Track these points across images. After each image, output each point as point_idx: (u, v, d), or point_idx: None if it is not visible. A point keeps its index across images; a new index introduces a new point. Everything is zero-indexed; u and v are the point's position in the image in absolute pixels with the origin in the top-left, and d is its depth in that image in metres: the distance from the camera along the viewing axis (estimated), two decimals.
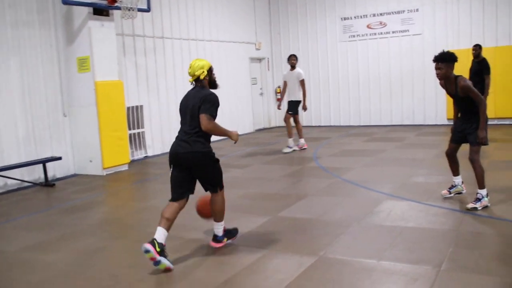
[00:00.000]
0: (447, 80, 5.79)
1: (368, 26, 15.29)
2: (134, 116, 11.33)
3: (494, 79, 13.51)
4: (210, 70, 4.76)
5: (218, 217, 4.92)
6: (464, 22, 14.02)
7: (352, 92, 15.61)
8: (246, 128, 15.45)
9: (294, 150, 10.91)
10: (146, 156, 11.53)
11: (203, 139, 4.63)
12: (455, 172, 6.27)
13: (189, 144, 4.58)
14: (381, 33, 15.10)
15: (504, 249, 4.51)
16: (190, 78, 4.78)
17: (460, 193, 6.35)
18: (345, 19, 15.61)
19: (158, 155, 11.73)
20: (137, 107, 11.41)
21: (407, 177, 7.70)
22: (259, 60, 16.59)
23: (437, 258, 4.34)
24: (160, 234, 4.46)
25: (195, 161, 4.61)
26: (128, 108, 11.03)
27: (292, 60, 10.92)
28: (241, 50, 15.37)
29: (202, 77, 4.71)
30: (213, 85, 4.81)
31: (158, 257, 4.33)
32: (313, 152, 10.73)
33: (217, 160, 4.78)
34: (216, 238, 4.98)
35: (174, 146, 4.69)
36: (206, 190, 4.87)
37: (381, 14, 15.09)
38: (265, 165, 9.61)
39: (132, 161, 10.86)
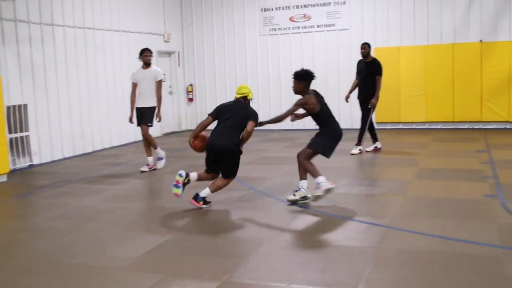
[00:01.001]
0: (302, 95, 7.02)
1: (291, 19, 15.53)
2: (16, 117, 10.79)
3: (426, 80, 14.21)
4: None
5: (213, 188, 6.84)
6: (394, 19, 14.58)
7: (273, 92, 15.79)
8: (152, 131, 15.15)
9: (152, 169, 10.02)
10: (31, 165, 11.02)
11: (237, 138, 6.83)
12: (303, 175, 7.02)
13: (225, 138, 6.71)
14: (305, 27, 15.38)
15: (427, 269, 4.66)
16: (238, 95, 7.08)
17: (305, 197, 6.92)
18: (265, 10, 15.77)
19: (46, 163, 11.25)
20: (19, 106, 10.88)
21: None
22: (168, 54, 16.40)
23: (353, 280, 4.41)
24: (194, 175, 6.90)
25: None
26: (9, 108, 10.50)
27: (147, 55, 9.89)
28: (147, 42, 15.07)
29: (249, 97, 7.13)
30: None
31: (180, 185, 6.76)
32: None
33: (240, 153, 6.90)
34: (196, 197, 6.82)
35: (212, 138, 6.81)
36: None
37: (305, 6, 15.38)
38: (171, 174, 9.45)
39: (13, 171, 10.34)
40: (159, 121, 10.28)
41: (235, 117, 6.84)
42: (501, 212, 6.32)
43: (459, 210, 6.51)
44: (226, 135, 6.75)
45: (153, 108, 9.95)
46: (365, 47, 10.69)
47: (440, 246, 5.25)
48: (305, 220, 6.26)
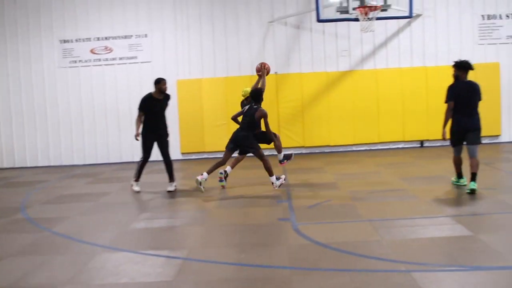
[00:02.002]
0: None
1: (92, 51, 15.17)
2: None
3: (227, 110, 14.72)
4: None
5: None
6: (195, 52, 14.98)
7: (75, 126, 15.19)
8: None
9: None
10: None
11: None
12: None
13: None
14: (107, 59, 15.13)
15: None
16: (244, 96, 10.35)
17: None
18: (65, 41, 15.21)
19: None
20: None
21: (128, 223, 7.70)
22: None
23: None
24: (229, 168, 9.90)
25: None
26: None
27: None
28: None
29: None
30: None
31: (223, 179, 9.97)
32: (21, 200, 10.01)
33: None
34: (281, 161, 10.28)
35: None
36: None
37: (106, 38, 15.14)
38: None
39: None
40: None
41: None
42: (292, 234, 6.71)
43: (255, 235, 6.78)
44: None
45: None
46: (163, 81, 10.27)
47: (235, 273, 5.40)
48: (102, 259, 6.05)
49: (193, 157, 14.92)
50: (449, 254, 5.71)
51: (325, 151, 14.96)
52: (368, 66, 15.05)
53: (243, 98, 10.64)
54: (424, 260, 5.53)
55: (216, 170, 9.97)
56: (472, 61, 12.94)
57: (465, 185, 9.05)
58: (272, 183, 9.75)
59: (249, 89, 10.50)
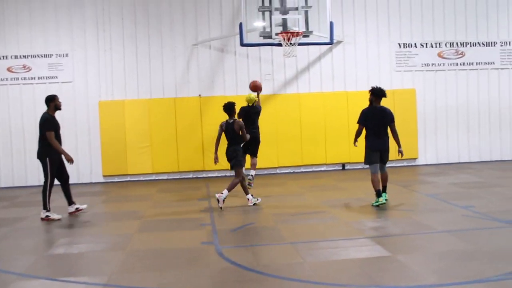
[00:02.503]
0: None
1: (9, 69, 14.63)
2: None
3: (151, 132, 14.53)
4: None
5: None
6: (118, 73, 14.76)
7: None
8: None
9: None
10: None
11: None
12: None
13: None
14: (25, 78, 14.63)
15: None
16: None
17: None
18: None
19: None
20: None
21: (45, 249, 7.43)
22: None
23: None
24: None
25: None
26: None
27: None
28: None
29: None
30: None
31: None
32: None
33: None
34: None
35: None
36: None
37: (24, 57, 14.66)
38: None
39: None
40: None
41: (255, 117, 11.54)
42: (215, 258, 6.68)
43: (177, 259, 6.70)
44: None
45: None
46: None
47: None
48: None
49: (116, 180, 14.61)
50: (369, 275, 5.85)
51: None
52: (291, 90, 15.35)
53: (247, 103, 11.61)
54: (345, 281, 5.65)
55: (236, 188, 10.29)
56: (390, 87, 13.65)
57: (385, 203, 9.58)
58: (220, 197, 9.80)
59: (254, 95, 11.53)
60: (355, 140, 9.95)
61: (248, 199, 10.25)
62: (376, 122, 9.69)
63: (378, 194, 9.63)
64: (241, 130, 10.20)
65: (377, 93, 9.73)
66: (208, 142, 14.75)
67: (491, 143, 16.34)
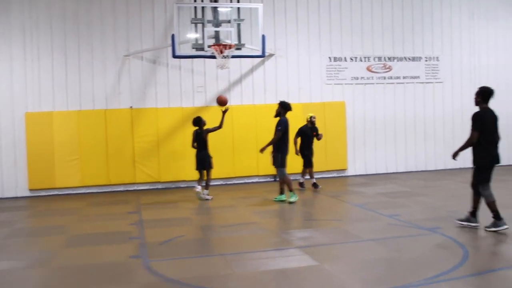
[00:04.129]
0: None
1: None
2: None
3: (80, 145, 14.19)
4: None
5: None
6: (46, 84, 14.31)
7: None
8: None
9: None
10: None
11: None
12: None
13: None
14: None
15: None
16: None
17: None
18: None
19: None
20: None
21: None
22: None
23: None
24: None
25: None
26: None
27: None
28: None
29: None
30: None
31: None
32: None
33: None
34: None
35: None
36: None
37: None
38: None
39: None
40: None
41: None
42: (143, 272, 6.58)
43: (103, 275, 6.56)
44: None
45: None
46: None
47: None
48: None
49: (42, 193, 14.13)
50: (296, 284, 5.91)
51: (181, 186, 14.92)
52: None
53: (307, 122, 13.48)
54: None
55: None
56: (321, 99, 14.05)
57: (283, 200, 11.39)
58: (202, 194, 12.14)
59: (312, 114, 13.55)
60: (269, 145, 11.68)
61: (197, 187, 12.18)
62: (286, 132, 11.50)
63: (282, 192, 11.65)
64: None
65: (284, 106, 11.62)
66: (140, 154, 14.57)
67: (416, 153, 16.92)
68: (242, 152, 15.21)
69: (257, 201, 12.02)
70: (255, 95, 15.62)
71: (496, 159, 8.17)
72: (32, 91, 14.28)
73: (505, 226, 8.03)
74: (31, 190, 14.08)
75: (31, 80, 14.29)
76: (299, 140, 13.44)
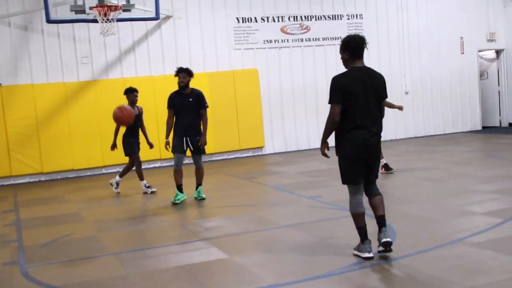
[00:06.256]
0: None
1: None
2: None
3: None
4: None
5: None
6: None
7: None
8: None
9: None
10: None
11: None
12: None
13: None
14: None
15: None
16: None
17: None
18: None
19: None
20: None
21: None
22: None
23: None
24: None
25: None
26: None
27: None
28: None
29: None
30: None
31: None
32: None
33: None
34: None
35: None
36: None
37: None
38: None
39: None
40: None
41: None
42: (20, 280, 6.45)
43: None
44: None
45: None
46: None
47: None
48: None
49: None
50: (201, 282, 5.98)
51: (69, 176, 14.67)
52: (114, 75, 15.14)
53: None
54: None
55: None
56: (229, 68, 14.15)
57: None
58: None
59: None
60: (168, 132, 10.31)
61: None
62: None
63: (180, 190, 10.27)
64: None
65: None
66: (15, 141, 14.14)
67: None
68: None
69: (160, 189, 11.96)
70: (151, 65, 15.48)
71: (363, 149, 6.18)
72: None
73: None
74: None
75: None
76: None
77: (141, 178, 11.59)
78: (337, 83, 6.16)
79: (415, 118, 18.38)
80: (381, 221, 6.27)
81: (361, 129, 6.09)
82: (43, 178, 14.52)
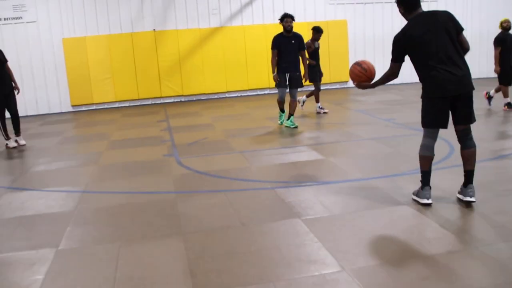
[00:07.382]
0: None
1: None
2: None
3: (112, 65, 14.42)
4: None
5: None
6: (78, 11, 14.34)
7: None
8: None
9: None
10: None
11: None
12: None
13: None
14: None
15: (118, 218, 5.01)
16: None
17: None
18: None
19: None
20: None
21: (28, 167, 7.61)
22: None
23: (55, 239, 4.51)
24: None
25: None
26: None
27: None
28: None
29: None
30: None
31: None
32: None
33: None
34: None
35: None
36: None
37: None
38: None
39: None
40: None
41: None
42: (175, 166, 7.04)
43: (143, 169, 7.03)
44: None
45: None
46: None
47: (128, 199, 5.66)
48: (8, 198, 6.01)
49: (83, 108, 14.59)
50: (306, 173, 6.34)
51: (202, 98, 15.27)
52: (236, 22, 15.37)
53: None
54: (286, 179, 6.13)
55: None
56: (324, 18, 13.83)
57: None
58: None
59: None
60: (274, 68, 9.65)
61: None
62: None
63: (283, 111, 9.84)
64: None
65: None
66: (164, 71, 14.82)
67: (411, 66, 16.91)
68: (254, 67, 15.37)
69: (269, 108, 12.28)
70: (264, 15, 15.56)
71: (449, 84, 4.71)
72: (67, 18, 14.38)
73: None
74: (73, 106, 14.54)
75: (65, 8, 14.34)
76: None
77: (317, 101, 11.22)
78: (396, 42, 5.01)
79: None
80: (468, 176, 4.93)
81: (442, 69, 4.69)
82: (183, 99, 15.19)
